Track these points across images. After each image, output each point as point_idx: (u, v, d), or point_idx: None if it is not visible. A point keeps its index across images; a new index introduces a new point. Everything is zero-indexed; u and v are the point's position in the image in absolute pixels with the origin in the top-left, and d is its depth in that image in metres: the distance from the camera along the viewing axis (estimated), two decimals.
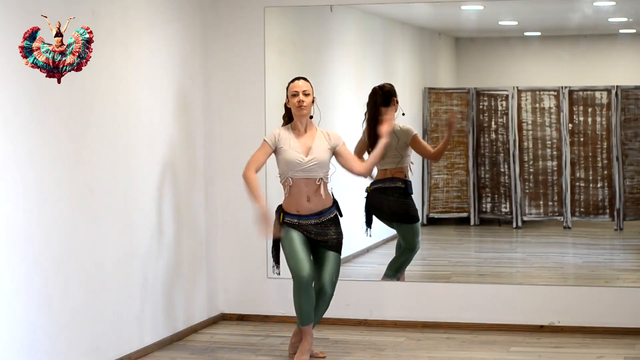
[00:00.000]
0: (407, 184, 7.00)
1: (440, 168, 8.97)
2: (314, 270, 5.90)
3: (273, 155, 6.00)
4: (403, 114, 7.24)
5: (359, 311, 7.00)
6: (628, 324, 6.61)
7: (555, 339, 6.50)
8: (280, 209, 6.00)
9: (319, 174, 5.92)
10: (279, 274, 6.11)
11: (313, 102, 5.99)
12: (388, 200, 6.99)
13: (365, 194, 7.13)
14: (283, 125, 6.06)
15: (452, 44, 9.45)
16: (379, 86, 7.05)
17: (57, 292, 5.23)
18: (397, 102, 7.05)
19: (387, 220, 7.15)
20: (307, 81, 6.00)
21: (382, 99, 6.97)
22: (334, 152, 6.00)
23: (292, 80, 6.01)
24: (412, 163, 7.17)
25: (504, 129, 9.04)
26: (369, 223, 7.20)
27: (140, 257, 6.08)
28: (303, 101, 5.92)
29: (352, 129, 7.32)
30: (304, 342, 5.97)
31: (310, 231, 5.92)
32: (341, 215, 6.06)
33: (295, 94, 5.94)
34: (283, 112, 6.08)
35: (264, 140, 5.99)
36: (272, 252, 6.06)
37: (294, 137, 5.95)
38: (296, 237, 5.89)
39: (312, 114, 6.02)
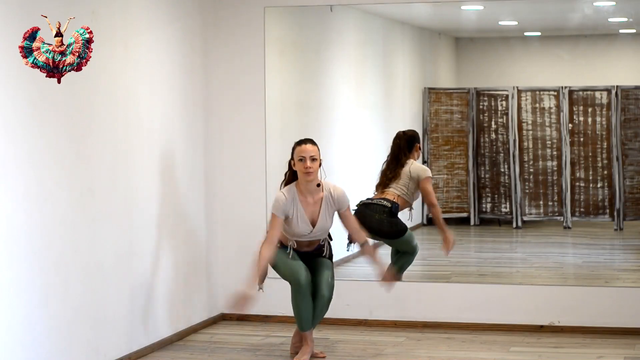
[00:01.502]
0: (393, 206, 6.90)
1: (440, 168, 8.97)
2: (309, 275, 5.88)
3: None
4: (425, 162, 7.30)
5: (359, 311, 7.00)
6: (628, 324, 6.61)
7: (555, 339, 6.50)
8: None
9: (323, 236, 5.95)
10: (262, 290, 5.92)
11: (320, 165, 5.76)
12: (372, 217, 6.90)
13: (355, 208, 7.07)
14: (283, 182, 5.93)
15: (452, 44, 9.46)
16: (402, 131, 7.12)
17: (57, 292, 5.23)
18: (420, 149, 7.12)
19: (374, 234, 7.06)
20: (315, 144, 5.76)
21: (405, 144, 7.02)
22: (339, 214, 5.91)
23: (299, 143, 5.76)
24: (412, 209, 7.09)
25: (504, 129, 9.05)
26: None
27: (140, 257, 6.07)
28: (310, 167, 5.69)
29: (352, 129, 7.33)
30: (305, 347, 5.97)
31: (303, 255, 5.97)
32: (331, 239, 6.07)
33: (302, 159, 5.70)
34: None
35: (273, 214, 5.77)
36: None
37: (300, 203, 5.78)
38: (287, 252, 5.88)
39: (319, 182, 5.79)
